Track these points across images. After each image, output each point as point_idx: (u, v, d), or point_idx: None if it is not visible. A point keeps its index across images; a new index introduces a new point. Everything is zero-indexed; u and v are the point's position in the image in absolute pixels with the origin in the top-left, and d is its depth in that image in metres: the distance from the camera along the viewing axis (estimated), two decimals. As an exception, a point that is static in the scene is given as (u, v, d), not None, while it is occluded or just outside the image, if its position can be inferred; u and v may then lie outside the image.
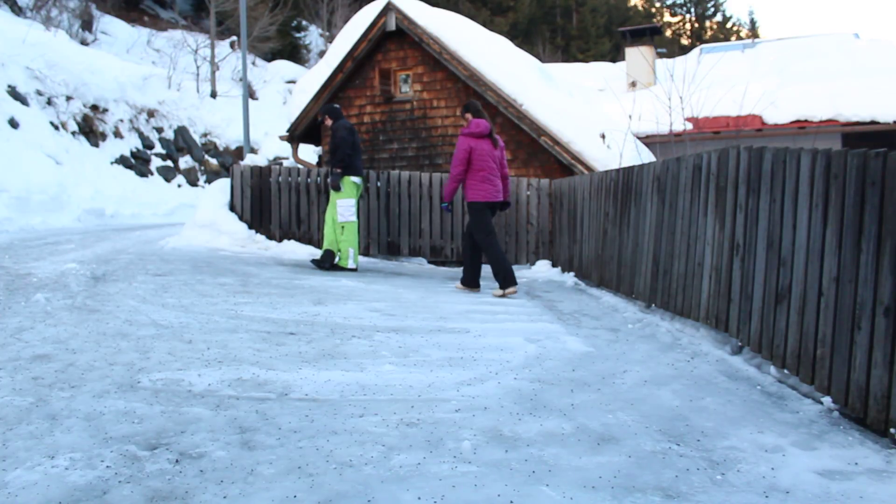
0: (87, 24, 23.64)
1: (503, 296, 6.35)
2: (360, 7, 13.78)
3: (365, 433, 2.67)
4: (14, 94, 13.96)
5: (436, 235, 8.87)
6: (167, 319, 4.47)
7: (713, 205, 4.45)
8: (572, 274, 7.74)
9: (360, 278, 7.04)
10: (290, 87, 24.62)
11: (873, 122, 12.51)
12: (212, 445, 2.51)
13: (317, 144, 13.13)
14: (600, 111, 12.87)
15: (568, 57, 33.98)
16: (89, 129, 15.84)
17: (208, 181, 18.03)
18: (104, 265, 6.72)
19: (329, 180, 7.64)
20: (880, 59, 14.78)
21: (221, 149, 20.20)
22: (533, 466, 2.42)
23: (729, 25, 46.35)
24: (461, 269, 7.10)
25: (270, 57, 28.61)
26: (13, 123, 13.23)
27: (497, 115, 10.19)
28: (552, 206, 8.70)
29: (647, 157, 11.02)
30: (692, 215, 4.78)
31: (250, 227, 8.79)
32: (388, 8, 10.77)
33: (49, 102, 14.96)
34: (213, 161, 19.67)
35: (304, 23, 32.12)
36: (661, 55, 18.67)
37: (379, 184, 8.85)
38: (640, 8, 46.95)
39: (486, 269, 8.27)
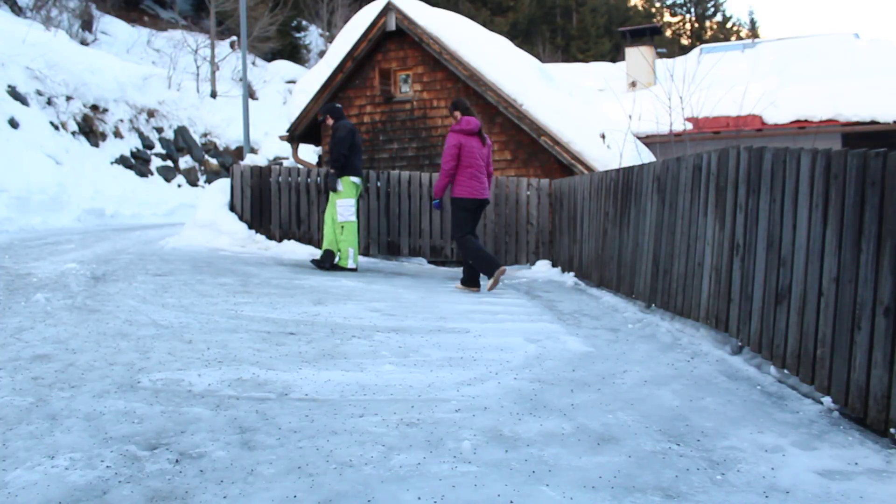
0: (87, 24, 23.64)
1: (496, 283, 6.45)
2: (360, 7, 13.78)
3: (365, 433, 2.67)
4: (14, 94, 13.96)
5: (436, 235, 8.87)
6: (167, 319, 4.47)
7: (713, 205, 4.45)
8: (572, 274, 7.74)
9: (360, 278, 7.04)
10: (290, 87, 24.63)
11: (873, 122, 12.51)
12: (212, 445, 2.51)
13: (317, 144, 13.13)
14: (600, 111, 12.87)
15: (568, 57, 33.97)
16: (89, 129, 15.84)
17: (208, 181, 18.03)
18: (104, 265, 6.72)
19: (325, 180, 7.66)
20: (880, 59, 14.78)
21: (221, 149, 20.20)
22: (533, 466, 2.42)
23: (729, 25, 46.37)
24: (461, 269, 7.11)
25: (270, 57, 28.62)
26: (13, 123, 13.23)
27: (497, 115, 10.20)
28: (552, 206, 8.70)
29: (647, 157, 11.02)
30: (692, 215, 4.78)
31: (250, 227, 8.79)
32: (388, 8, 10.77)
33: (49, 102, 14.96)
34: (213, 161, 19.67)
35: (304, 23, 32.13)
36: (661, 55, 18.67)
37: (379, 184, 8.85)
38: (640, 8, 46.96)
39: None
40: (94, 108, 16.43)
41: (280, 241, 8.72)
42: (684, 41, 44.44)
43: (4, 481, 2.19)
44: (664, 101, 9.98)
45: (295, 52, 30.69)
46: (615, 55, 32.09)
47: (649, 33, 18.36)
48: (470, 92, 10.34)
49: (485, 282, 6.76)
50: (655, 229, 5.43)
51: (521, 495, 2.20)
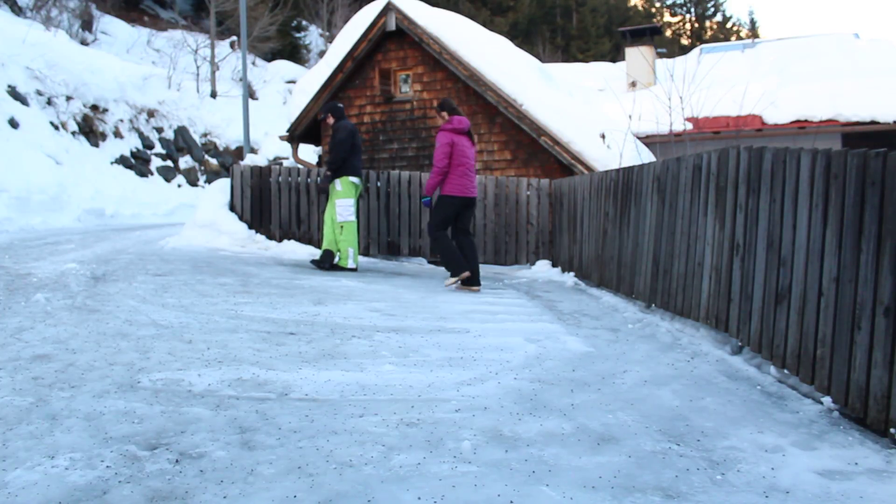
0: (87, 24, 23.65)
1: (453, 284, 6.55)
2: (360, 7, 13.78)
3: (365, 433, 2.67)
4: (14, 94, 13.97)
5: (436, 235, 8.86)
6: (167, 319, 4.47)
7: (713, 205, 4.45)
8: (572, 274, 7.74)
9: (360, 278, 7.04)
10: (290, 87, 24.63)
11: (873, 122, 12.52)
12: (212, 445, 2.51)
13: (317, 144, 13.13)
14: (600, 111, 12.87)
15: (568, 57, 33.98)
16: (89, 129, 15.84)
17: (208, 181, 18.03)
18: (104, 265, 6.72)
19: (319, 181, 7.71)
20: (880, 59, 14.78)
21: (221, 149, 20.20)
22: (533, 466, 2.42)
23: (729, 25, 46.37)
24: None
25: (270, 57, 28.62)
26: (13, 123, 13.24)
27: (497, 115, 10.20)
28: (552, 206, 8.70)
29: (647, 157, 11.02)
30: (692, 215, 4.78)
31: (250, 227, 8.79)
32: (388, 8, 10.77)
33: (49, 102, 14.96)
34: (213, 161, 19.67)
35: (304, 23, 32.13)
36: (661, 55, 18.67)
37: (379, 184, 8.85)
38: (640, 8, 46.96)
39: (487, 269, 8.28)
40: (94, 108, 16.43)
41: (280, 241, 8.73)
42: (684, 41, 44.45)
43: (4, 481, 2.19)
44: (664, 101, 9.98)
45: (295, 52, 30.70)
46: (615, 55, 32.10)
47: (649, 33, 18.37)
48: (470, 92, 10.34)
49: (489, 284, 6.76)
50: (655, 229, 5.43)
51: (521, 495, 2.20)
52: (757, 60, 16.49)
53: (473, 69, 10.10)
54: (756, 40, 19.99)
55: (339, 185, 7.52)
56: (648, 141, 12.51)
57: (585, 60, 28.72)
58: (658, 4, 47.40)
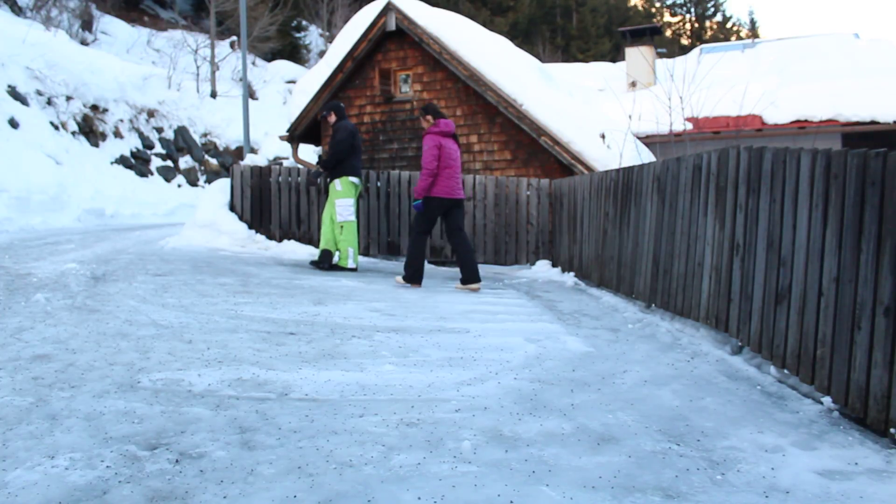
0: (87, 24, 23.64)
1: (401, 283, 6.74)
2: (360, 7, 13.78)
3: (365, 433, 2.67)
4: (14, 94, 13.96)
5: (436, 236, 8.86)
6: (167, 319, 4.47)
7: (713, 205, 4.45)
8: (572, 274, 7.74)
9: (360, 278, 7.04)
10: (290, 87, 24.63)
11: (873, 122, 12.51)
12: (212, 445, 2.51)
13: (317, 144, 13.12)
14: (600, 111, 12.86)
15: (568, 57, 33.98)
16: (89, 129, 15.84)
17: (208, 181, 18.03)
18: (104, 265, 6.72)
19: (311, 174, 7.81)
20: (880, 59, 14.78)
21: (221, 149, 20.20)
22: (533, 466, 2.42)
23: (729, 25, 46.37)
24: (460, 269, 7.10)
25: (270, 57, 28.61)
26: (13, 123, 13.24)
27: (497, 115, 10.20)
28: (552, 206, 8.70)
29: (647, 157, 11.02)
30: (692, 215, 4.78)
31: (250, 227, 8.79)
32: (388, 8, 10.77)
33: (49, 102, 14.96)
34: (213, 161, 19.67)
35: (304, 23, 32.13)
36: (661, 55, 18.67)
37: (379, 184, 8.85)
38: (640, 8, 46.96)
39: (487, 269, 8.28)
40: (94, 108, 16.43)
41: (280, 241, 8.73)
42: (684, 41, 44.45)
43: (4, 481, 2.19)
44: (664, 101, 9.97)
45: (295, 52, 30.69)
46: (615, 55, 32.10)
47: (649, 33, 18.37)
48: (470, 92, 10.34)
49: (489, 283, 6.77)
50: (655, 229, 5.43)
51: (521, 495, 2.20)
52: (757, 60, 16.49)
53: (473, 69, 10.10)
54: (756, 40, 19.99)
55: (339, 185, 7.52)
56: (648, 141, 12.51)
57: (585, 60, 28.73)
58: (658, 4, 47.41)
